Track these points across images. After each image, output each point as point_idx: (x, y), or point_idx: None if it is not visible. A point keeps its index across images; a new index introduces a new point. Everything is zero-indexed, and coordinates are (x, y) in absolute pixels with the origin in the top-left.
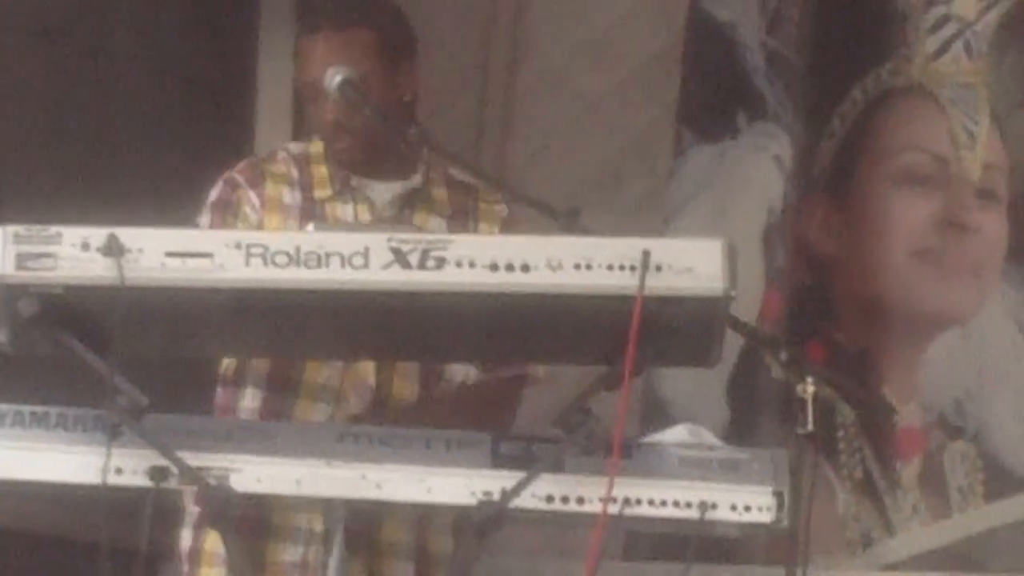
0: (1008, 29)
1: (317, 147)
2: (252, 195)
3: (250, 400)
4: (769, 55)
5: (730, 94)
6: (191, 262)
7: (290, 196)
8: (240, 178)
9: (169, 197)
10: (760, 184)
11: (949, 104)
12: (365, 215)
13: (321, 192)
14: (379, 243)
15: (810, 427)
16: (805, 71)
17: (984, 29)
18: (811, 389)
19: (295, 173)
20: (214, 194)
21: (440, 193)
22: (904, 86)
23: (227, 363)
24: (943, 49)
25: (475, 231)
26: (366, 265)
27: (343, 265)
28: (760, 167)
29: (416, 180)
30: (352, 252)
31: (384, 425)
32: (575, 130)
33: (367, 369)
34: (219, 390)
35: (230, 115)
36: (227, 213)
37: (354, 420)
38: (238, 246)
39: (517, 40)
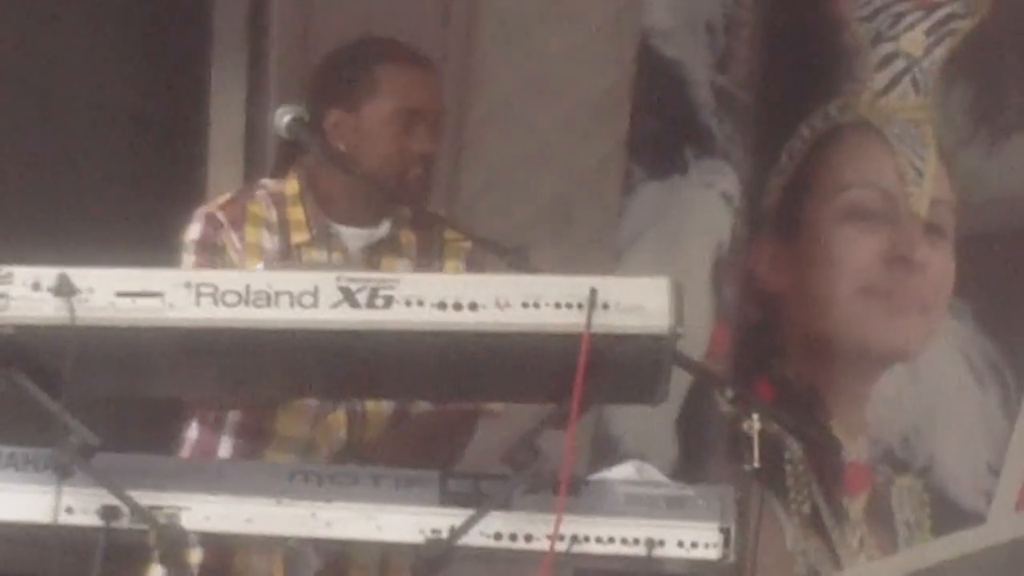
0: (955, 65)
1: (293, 187)
2: (235, 237)
3: (224, 449)
4: (718, 92)
5: (679, 131)
6: (141, 302)
7: (269, 240)
8: (223, 217)
9: (120, 236)
10: (708, 220)
11: (897, 140)
12: (339, 261)
13: (298, 237)
14: (328, 282)
15: (756, 463)
16: (754, 108)
17: (931, 65)
18: (757, 426)
19: (273, 215)
20: (196, 232)
21: (407, 236)
22: (852, 122)
23: (208, 419)
24: (891, 85)
25: (440, 270)
26: (315, 304)
27: (292, 304)
28: (708, 203)
29: (385, 227)
30: (301, 291)
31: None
32: (525, 166)
33: (338, 421)
34: (197, 432)
35: (182, 153)
36: (214, 255)
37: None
38: (188, 285)
39: (467, 76)
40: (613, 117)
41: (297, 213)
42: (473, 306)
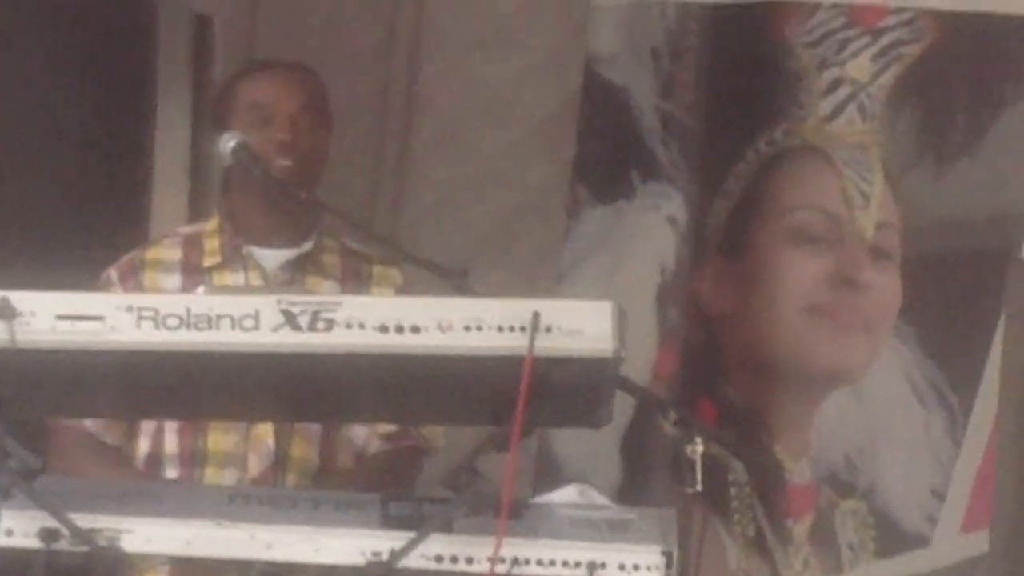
0: (902, 90)
1: (212, 224)
2: (121, 291)
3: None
4: (663, 117)
5: (625, 155)
6: (82, 325)
7: (168, 281)
8: (114, 274)
9: (63, 260)
10: (654, 244)
11: (843, 164)
12: (256, 281)
13: (210, 261)
14: (269, 305)
15: (699, 486)
16: (700, 132)
17: (878, 91)
18: (700, 449)
19: (177, 255)
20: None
21: (331, 259)
22: (798, 147)
23: (142, 450)
24: (837, 110)
25: (367, 295)
26: (256, 327)
27: (233, 327)
28: (654, 227)
29: (307, 246)
30: (242, 314)
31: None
32: (470, 189)
33: (266, 431)
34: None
35: (126, 179)
36: None
37: (256, 482)
38: (129, 309)
39: (412, 99)
40: (558, 141)
41: (212, 243)
42: (415, 329)
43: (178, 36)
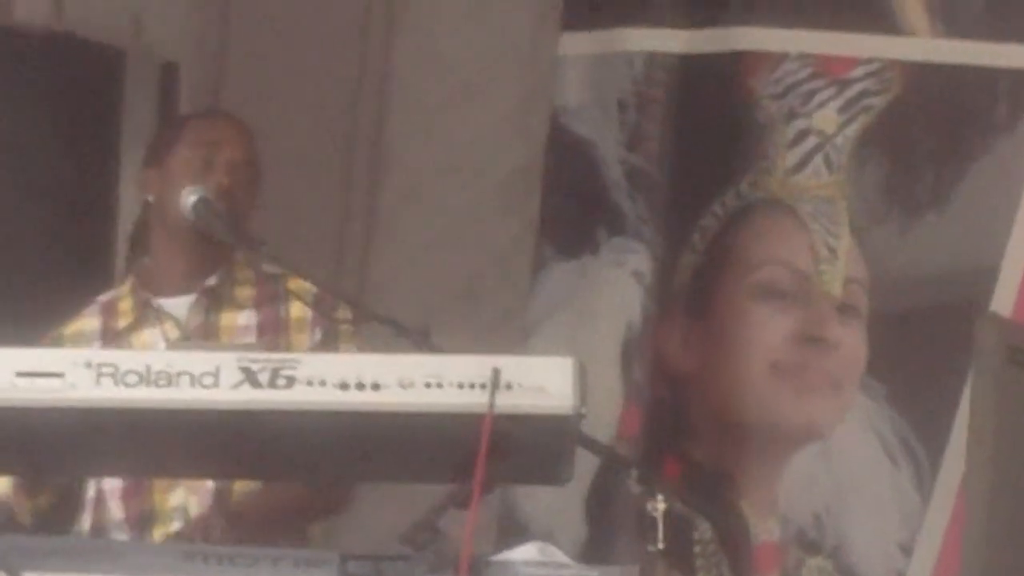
0: (868, 143)
1: (126, 286)
2: None
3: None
4: (629, 170)
5: (590, 209)
6: (41, 382)
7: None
8: None
9: (24, 316)
10: (619, 299)
11: (809, 218)
12: (172, 332)
13: (124, 321)
14: (229, 362)
15: (661, 544)
16: (666, 186)
17: (844, 143)
18: (661, 506)
19: (96, 324)
20: None
21: (244, 291)
22: (764, 200)
23: (85, 524)
24: (803, 163)
25: (286, 313)
26: (216, 384)
27: (193, 384)
28: (619, 283)
29: (212, 280)
30: (202, 371)
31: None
32: (437, 245)
33: (206, 482)
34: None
35: (89, 232)
36: None
37: (198, 522)
38: (88, 365)
39: (378, 155)
40: (524, 196)
41: (125, 305)
42: (375, 386)
43: (144, 84)
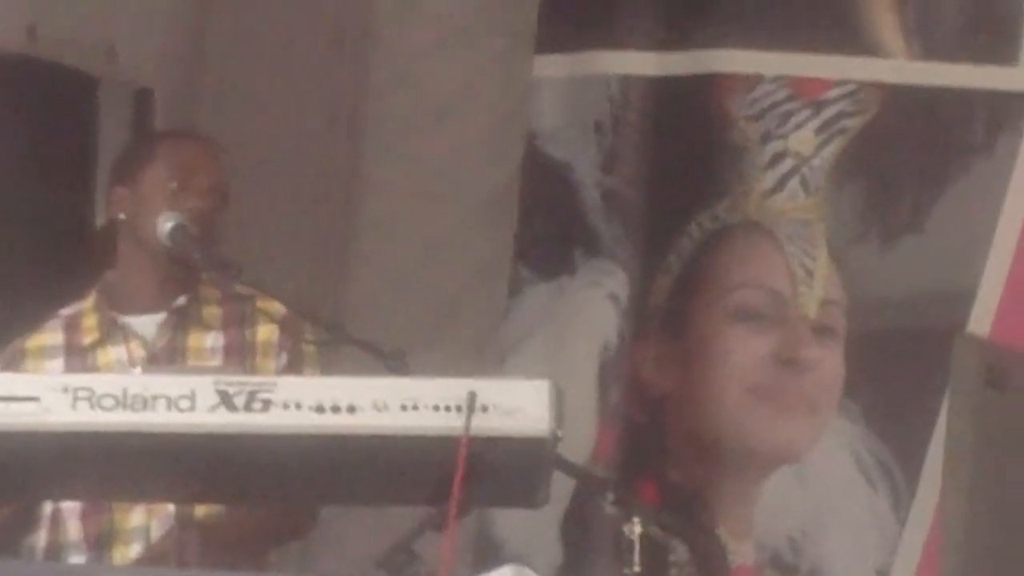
0: (846, 164)
1: (89, 302)
2: None
3: (73, 557)
4: (605, 193)
5: (566, 232)
6: (17, 406)
7: (51, 365)
8: None
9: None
10: (595, 322)
11: (786, 240)
12: (139, 351)
13: (90, 338)
14: (205, 386)
15: (637, 567)
16: (642, 208)
17: (821, 164)
18: (638, 529)
19: (59, 339)
20: None
21: (211, 311)
22: (741, 222)
23: (40, 543)
24: (780, 185)
25: (252, 336)
26: (192, 408)
27: (169, 408)
28: (595, 304)
29: (181, 300)
30: (179, 395)
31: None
32: (413, 268)
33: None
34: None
35: (67, 260)
36: None
37: (158, 546)
38: (65, 390)
39: (354, 178)
40: (500, 219)
41: (90, 321)
42: (351, 409)
43: (118, 110)
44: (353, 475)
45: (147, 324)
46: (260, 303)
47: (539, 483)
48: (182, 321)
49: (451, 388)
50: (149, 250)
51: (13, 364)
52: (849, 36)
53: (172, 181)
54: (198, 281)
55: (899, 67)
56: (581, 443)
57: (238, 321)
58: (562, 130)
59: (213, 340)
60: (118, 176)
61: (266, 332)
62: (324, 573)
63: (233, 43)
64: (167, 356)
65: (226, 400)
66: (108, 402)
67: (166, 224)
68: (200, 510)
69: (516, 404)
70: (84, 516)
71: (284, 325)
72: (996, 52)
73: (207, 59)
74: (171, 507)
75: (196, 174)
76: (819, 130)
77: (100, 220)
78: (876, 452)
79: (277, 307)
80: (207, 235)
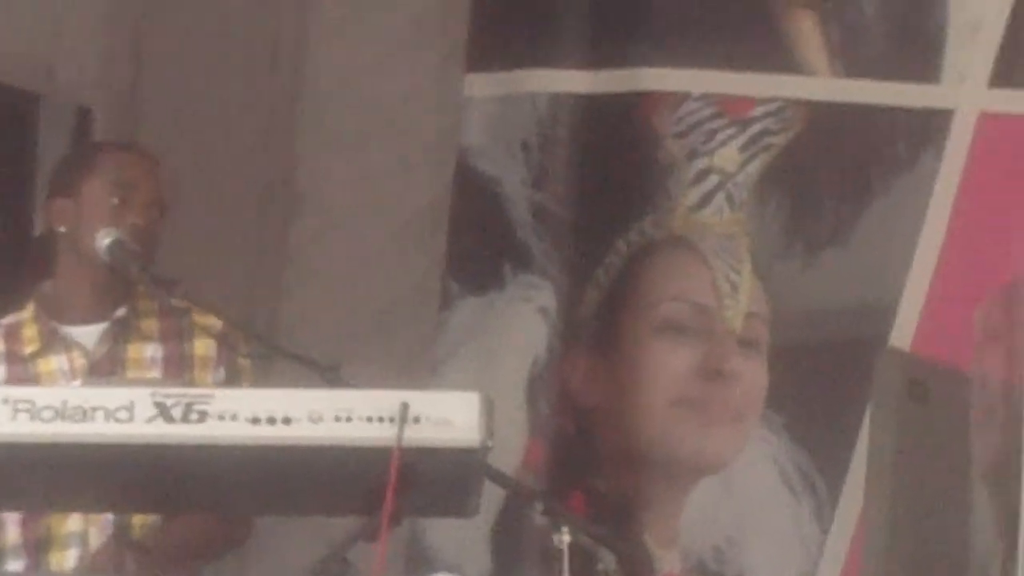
0: (770, 180)
1: (28, 311)
2: None
3: (12, 564)
4: (535, 209)
5: (496, 247)
6: None
7: None
8: None
9: None
10: (525, 335)
11: (711, 255)
12: (80, 361)
13: (29, 349)
14: (143, 397)
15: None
16: (570, 223)
17: (745, 180)
18: (567, 538)
19: (0, 347)
20: None
21: (149, 323)
22: (667, 238)
23: None
24: (705, 200)
25: (190, 350)
26: (131, 419)
27: (108, 419)
28: (525, 318)
29: (121, 312)
30: (117, 406)
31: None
32: (349, 281)
33: None
34: None
35: (5, 280)
36: None
37: (98, 555)
38: (5, 401)
39: (291, 193)
40: (432, 234)
41: (30, 331)
42: (287, 420)
43: (58, 128)
44: (288, 485)
45: (87, 334)
46: (197, 317)
47: (470, 493)
48: (122, 332)
49: (384, 400)
50: (88, 262)
51: None
52: (774, 55)
53: (113, 197)
54: (136, 292)
55: (823, 85)
56: (511, 454)
57: (176, 334)
58: (492, 147)
59: (153, 351)
60: (58, 188)
61: (203, 346)
62: None
63: (171, 61)
64: (107, 366)
65: (164, 412)
66: (48, 414)
67: (104, 240)
68: (137, 523)
69: (447, 416)
70: (24, 522)
71: (221, 339)
72: (918, 70)
73: (145, 76)
74: (109, 515)
75: (136, 190)
76: (744, 147)
77: (37, 230)
78: (799, 463)
79: (214, 321)
80: (147, 251)
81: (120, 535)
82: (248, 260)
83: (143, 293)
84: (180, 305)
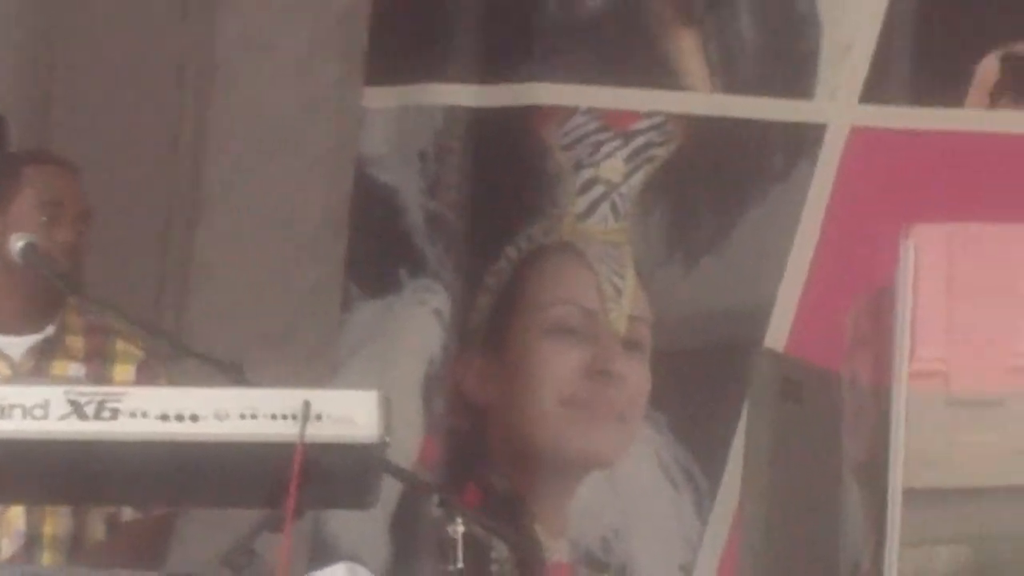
0: (652, 191)
1: None
2: None
3: None
4: (429, 216)
5: (393, 252)
6: None
7: None
8: None
9: None
10: (421, 336)
11: (597, 261)
12: (5, 371)
13: None
14: (58, 395)
15: (460, 564)
16: (463, 230)
17: (630, 190)
18: (460, 529)
19: None
20: None
21: (75, 340)
22: (555, 244)
23: None
24: (591, 209)
25: (111, 373)
26: (46, 416)
27: (24, 416)
28: (421, 321)
29: (50, 330)
30: (33, 404)
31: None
32: (251, 285)
33: (17, 514)
34: None
35: None
36: None
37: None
38: None
39: (197, 200)
40: (332, 240)
41: None
42: (194, 417)
43: None
44: (196, 479)
45: (14, 345)
46: (120, 344)
47: (369, 486)
48: (48, 348)
49: (287, 398)
50: (16, 273)
51: None
52: (657, 71)
53: (42, 216)
54: (64, 307)
55: (703, 100)
56: (408, 449)
57: (99, 354)
58: (390, 157)
59: (76, 370)
60: None
61: (123, 372)
62: (171, 572)
63: (83, 70)
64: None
65: (78, 409)
66: None
67: (17, 243)
68: (48, 527)
69: (347, 413)
70: None
71: (141, 367)
72: (793, 87)
73: (57, 85)
74: (21, 525)
75: (62, 206)
76: (628, 159)
77: None
78: (680, 459)
79: (135, 350)
80: (77, 265)
81: (32, 544)
82: (156, 264)
83: (72, 308)
84: (107, 327)
